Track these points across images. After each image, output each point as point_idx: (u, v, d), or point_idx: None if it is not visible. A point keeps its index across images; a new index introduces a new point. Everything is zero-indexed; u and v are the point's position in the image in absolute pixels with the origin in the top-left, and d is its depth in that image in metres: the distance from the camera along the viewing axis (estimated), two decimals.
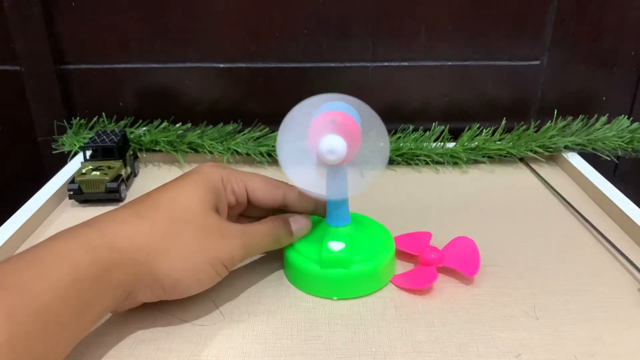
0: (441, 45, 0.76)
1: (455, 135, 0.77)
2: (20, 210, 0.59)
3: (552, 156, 0.77)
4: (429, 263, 0.50)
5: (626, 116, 0.77)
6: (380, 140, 0.45)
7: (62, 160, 0.75)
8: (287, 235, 0.48)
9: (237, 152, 0.74)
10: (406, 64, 0.77)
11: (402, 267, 0.51)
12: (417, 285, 0.48)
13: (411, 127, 0.78)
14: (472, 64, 0.77)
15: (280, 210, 0.50)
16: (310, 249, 0.48)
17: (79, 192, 0.63)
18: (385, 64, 0.77)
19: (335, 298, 0.47)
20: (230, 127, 0.76)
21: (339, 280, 0.46)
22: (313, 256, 0.47)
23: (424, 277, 0.48)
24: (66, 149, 0.74)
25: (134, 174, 0.71)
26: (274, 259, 0.53)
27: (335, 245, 0.47)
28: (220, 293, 0.48)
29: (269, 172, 0.73)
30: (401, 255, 0.53)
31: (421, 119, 0.80)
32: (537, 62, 0.78)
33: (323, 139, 0.42)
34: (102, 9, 0.73)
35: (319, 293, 0.47)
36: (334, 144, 0.41)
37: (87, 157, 0.66)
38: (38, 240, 0.56)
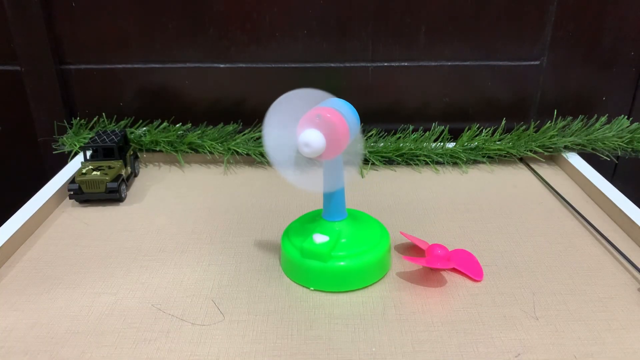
0: (441, 45, 0.76)
1: (455, 135, 0.77)
2: (21, 210, 0.59)
3: (552, 156, 0.77)
4: (436, 258, 0.50)
5: (626, 116, 0.77)
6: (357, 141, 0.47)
7: (63, 160, 0.75)
8: None
9: (237, 152, 0.74)
10: (406, 64, 0.77)
11: (403, 267, 0.51)
12: (431, 264, 0.49)
13: (411, 127, 0.78)
14: (472, 64, 0.77)
15: None
16: (299, 239, 0.49)
17: (79, 192, 0.63)
18: (385, 64, 0.77)
19: (312, 288, 0.48)
20: (230, 128, 0.76)
21: (315, 272, 0.48)
22: (299, 245, 0.49)
23: (438, 260, 0.50)
24: (66, 149, 0.74)
25: (134, 174, 0.71)
26: (274, 259, 0.53)
27: (319, 238, 0.48)
28: (220, 293, 0.48)
29: (269, 172, 0.73)
30: (405, 251, 0.53)
31: (421, 119, 0.80)
32: (537, 62, 0.78)
33: (302, 132, 0.43)
34: (102, 9, 0.73)
35: (299, 281, 0.49)
36: (309, 138, 0.42)
37: (88, 157, 0.66)
38: (38, 240, 0.57)
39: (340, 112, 0.44)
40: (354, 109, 0.46)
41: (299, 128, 0.44)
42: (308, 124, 0.43)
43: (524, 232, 0.58)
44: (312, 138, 0.42)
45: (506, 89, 0.79)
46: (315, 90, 0.45)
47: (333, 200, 0.49)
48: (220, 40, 0.75)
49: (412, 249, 0.55)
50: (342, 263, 0.47)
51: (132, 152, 0.70)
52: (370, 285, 0.49)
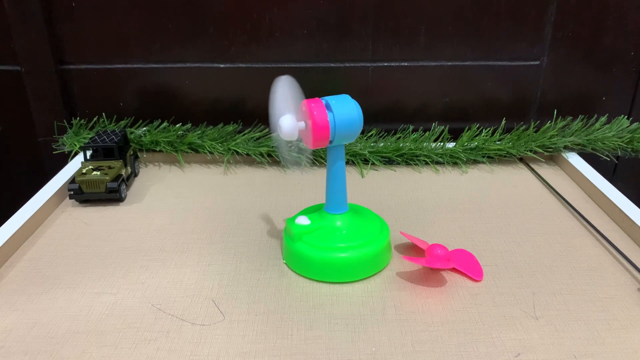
0: (441, 45, 0.76)
1: (455, 135, 0.77)
2: (21, 210, 0.59)
3: (552, 156, 0.77)
4: (436, 258, 0.50)
5: (625, 116, 0.77)
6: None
7: (63, 160, 0.75)
8: None
9: (237, 152, 0.74)
10: (406, 64, 0.77)
11: (403, 267, 0.51)
12: (431, 264, 0.49)
13: (411, 127, 0.78)
14: (472, 64, 0.77)
15: None
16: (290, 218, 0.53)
17: (79, 192, 0.63)
18: (385, 64, 0.77)
19: (284, 261, 0.51)
20: (230, 128, 0.76)
21: (285, 248, 0.52)
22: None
23: (438, 260, 0.50)
24: (67, 149, 0.74)
25: (134, 173, 0.71)
26: (274, 259, 0.53)
27: (300, 220, 0.51)
28: (220, 293, 0.48)
29: (269, 172, 0.73)
30: (405, 251, 0.53)
31: (421, 119, 0.80)
32: (537, 62, 0.78)
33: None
34: (102, 9, 0.73)
35: (282, 252, 0.53)
36: (282, 122, 0.46)
37: (88, 157, 0.66)
38: (38, 240, 0.57)
39: (331, 108, 0.46)
40: (356, 112, 0.47)
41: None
42: (294, 110, 0.46)
43: (524, 232, 0.58)
44: (284, 122, 0.46)
45: (506, 89, 0.79)
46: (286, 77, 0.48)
47: (331, 194, 0.51)
48: (220, 40, 0.75)
49: (412, 249, 0.55)
50: (303, 247, 0.50)
51: (132, 152, 0.70)
52: (347, 282, 0.49)
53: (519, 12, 0.74)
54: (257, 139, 0.75)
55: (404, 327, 0.43)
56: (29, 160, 0.82)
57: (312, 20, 0.74)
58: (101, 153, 0.66)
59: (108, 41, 0.75)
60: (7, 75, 0.76)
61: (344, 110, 0.46)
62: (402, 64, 0.77)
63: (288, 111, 0.46)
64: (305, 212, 0.54)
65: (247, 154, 0.74)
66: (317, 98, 0.47)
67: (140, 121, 0.78)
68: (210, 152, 0.74)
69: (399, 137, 0.76)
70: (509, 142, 0.74)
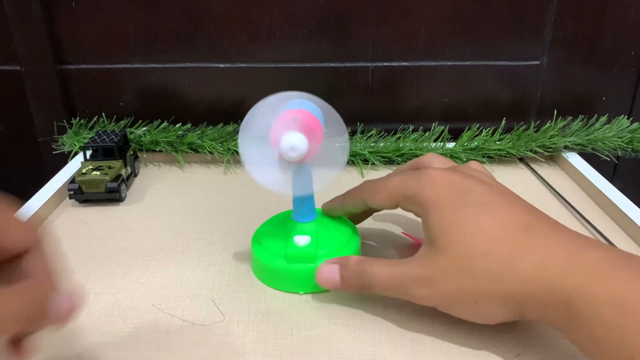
0: (441, 45, 0.76)
1: (455, 135, 0.77)
2: (21, 210, 0.59)
3: (552, 156, 0.77)
4: None
5: (626, 116, 0.77)
6: (341, 140, 0.46)
7: (63, 160, 0.75)
8: None
9: (237, 152, 0.74)
10: (406, 64, 0.77)
11: None
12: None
13: (411, 127, 0.78)
14: (472, 64, 0.77)
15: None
16: (276, 245, 0.48)
17: (79, 192, 0.63)
18: (385, 64, 0.77)
19: (301, 293, 0.47)
20: (230, 128, 0.76)
21: (304, 275, 0.46)
22: (279, 252, 0.47)
23: None
24: (66, 149, 0.74)
25: (134, 173, 0.71)
26: None
27: (301, 240, 0.47)
28: (220, 293, 0.48)
29: None
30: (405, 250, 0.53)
31: (421, 119, 0.80)
32: (537, 62, 0.78)
33: (284, 136, 0.42)
34: (102, 9, 0.73)
35: (286, 288, 0.48)
36: (295, 141, 0.42)
37: (88, 157, 0.66)
38: None
39: (312, 113, 0.43)
40: (312, 104, 0.45)
41: (274, 135, 0.43)
42: (286, 129, 0.42)
43: None
44: (298, 141, 0.42)
45: (506, 89, 0.79)
46: (285, 93, 0.44)
47: (308, 203, 0.49)
48: (220, 40, 0.75)
49: (414, 249, 0.55)
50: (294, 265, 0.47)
51: (132, 152, 0.70)
52: None
53: (519, 12, 0.74)
54: None
55: (404, 327, 0.43)
56: (29, 160, 0.82)
57: (312, 20, 0.74)
58: (101, 153, 0.66)
59: (108, 41, 0.75)
60: (7, 75, 0.76)
61: (316, 111, 0.44)
62: (402, 64, 0.77)
63: (275, 132, 0.43)
64: (271, 223, 0.52)
65: None
66: (297, 109, 0.43)
67: (140, 121, 0.78)
68: (210, 152, 0.74)
69: (399, 137, 0.76)
70: (509, 142, 0.74)
